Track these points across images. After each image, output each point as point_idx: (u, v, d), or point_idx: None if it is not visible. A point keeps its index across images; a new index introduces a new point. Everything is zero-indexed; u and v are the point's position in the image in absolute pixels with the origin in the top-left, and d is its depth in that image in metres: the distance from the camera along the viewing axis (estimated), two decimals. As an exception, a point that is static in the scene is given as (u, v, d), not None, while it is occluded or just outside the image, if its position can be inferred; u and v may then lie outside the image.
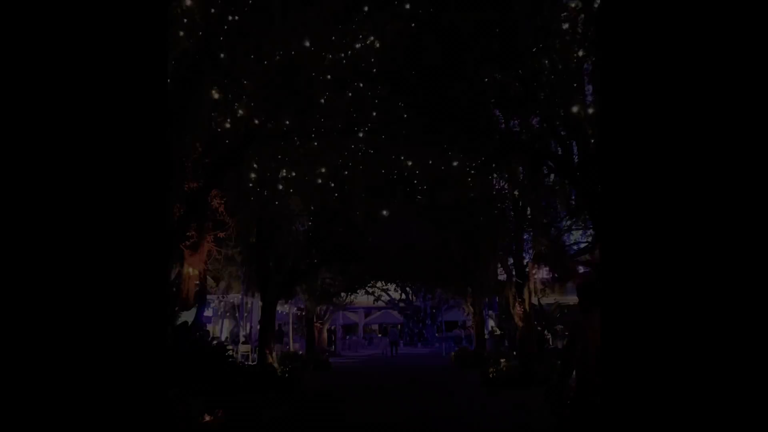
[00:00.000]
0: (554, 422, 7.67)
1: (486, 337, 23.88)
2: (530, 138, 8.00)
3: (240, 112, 8.91)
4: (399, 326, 44.43)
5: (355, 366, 23.28)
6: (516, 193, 13.64)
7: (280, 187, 15.08)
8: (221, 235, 8.96)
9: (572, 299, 29.52)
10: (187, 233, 8.15)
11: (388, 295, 42.54)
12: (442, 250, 16.35)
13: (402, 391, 13.79)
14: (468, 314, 23.29)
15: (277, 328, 37.96)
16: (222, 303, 38.94)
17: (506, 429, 8.31)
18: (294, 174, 14.58)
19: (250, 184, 13.59)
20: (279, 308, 39.08)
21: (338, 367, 21.89)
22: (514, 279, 14.34)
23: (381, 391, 13.91)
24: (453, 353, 21.67)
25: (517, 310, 14.32)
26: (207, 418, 7.58)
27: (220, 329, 38.40)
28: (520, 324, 14.35)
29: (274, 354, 14.76)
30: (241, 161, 8.41)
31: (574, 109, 7.69)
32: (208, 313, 40.17)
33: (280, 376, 13.69)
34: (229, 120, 9.49)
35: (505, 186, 13.63)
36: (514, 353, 22.18)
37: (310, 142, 10.88)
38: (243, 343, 26.86)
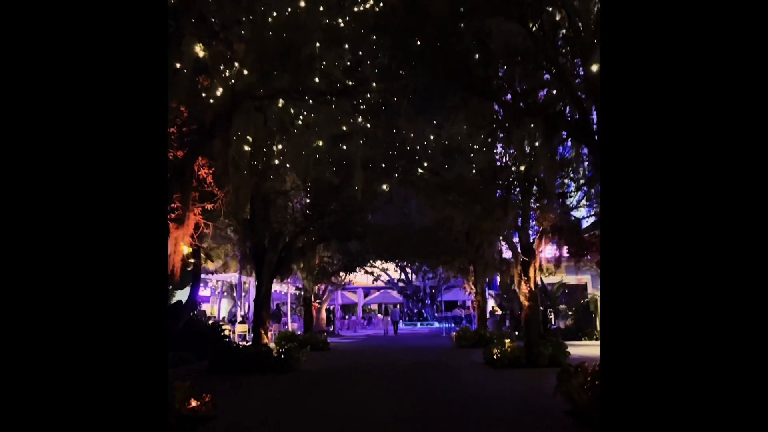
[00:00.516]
0: (569, 407, 7.12)
1: (487, 317, 23.43)
2: (546, 100, 7.32)
3: (227, 73, 8.21)
4: (399, 306, 44.16)
5: (354, 346, 22.82)
6: (522, 168, 12.97)
7: (276, 162, 14.43)
8: (209, 206, 8.30)
9: (575, 278, 29.10)
10: (171, 205, 7.52)
11: (388, 275, 42.15)
12: (444, 227, 15.72)
13: (403, 373, 13.25)
14: (469, 293, 22.76)
15: (275, 307, 37.68)
16: (220, 282, 38.59)
17: (518, 412, 7.76)
18: (290, 147, 13.92)
19: (245, 159, 12.92)
20: (277, 288, 38.79)
21: (337, 347, 21.41)
22: (519, 256, 13.72)
23: (381, 372, 13.39)
24: (454, 333, 21.19)
25: (523, 288, 13.72)
26: (193, 404, 7.00)
27: (218, 309, 38.08)
28: (526, 303, 13.76)
29: (269, 334, 14.19)
30: (229, 126, 7.73)
31: (594, 68, 6.99)
32: (205, 292, 39.94)
33: (276, 357, 13.15)
34: (217, 83, 8.79)
35: (511, 158, 12.92)
36: (516, 333, 21.77)
37: (305, 106, 10.19)
38: (240, 322, 26.38)
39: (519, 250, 14.07)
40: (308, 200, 14.92)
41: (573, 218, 13.79)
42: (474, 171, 13.82)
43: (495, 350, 13.55)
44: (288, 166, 14.69)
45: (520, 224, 13.82)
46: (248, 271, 21.48)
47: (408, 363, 15.31)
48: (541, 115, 7.16)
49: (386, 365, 14.85)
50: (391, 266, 42.12)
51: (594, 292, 28.43)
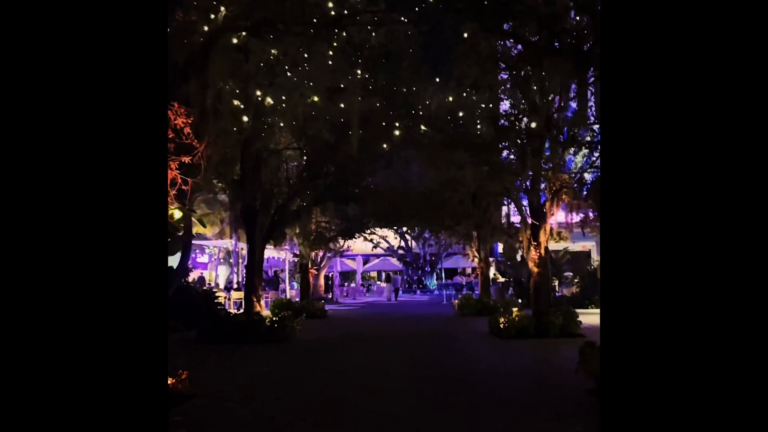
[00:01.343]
0: (593, 386, 6.28)
1: (489, 284, 22.65)
2: (575, 34, 6.29)
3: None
4: (399, 273, 43.69)
5: (353, 314, 22.10)
6: (534, 124, 11.94)
7: (269, 120, 13.41)
8: (187, 160, 7.33)
9: (579, 245, 28.29)
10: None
11: (387, 242, 41.41)
12: (449, 189, 14.74)
13: (403, 343, 12.47)
14: (472, 260, 21.95)
15: (272, 274, 37.01)
16: (217, 249, 37.83)
17: (534, 390, 6.95)
18: (282, 101, 12.88)
19: (230, 109, 11.88)
20: (275, 254, 38.04)
21: (335, 315, 20.68)
22: (529, 220, 12.81)
23: (380, 342, 12.61)
24: (456, 301, 20.43)
25: (532, 254, 12.86)
26: (168, 381, 6.17)
27: (215, 275, 37.40)
28: (536, 270, 12.92)
29: (262, 302, 13.39)
30: (206, 66, 6.72)
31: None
32: (203, 258, 39.22)
33: (269, 326, 12.36)
34: (196, 20, 7.74)
35: (522, 111, 11.84)
36: (520, 301, 21.01)
37: (295, 52, 9.15)
38: (236, 289, 25.63)
39: (528, 213, 13.16)
40: (305, 159, 13.90)
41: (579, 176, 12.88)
42: (480, 128, 12.82)
43: (501, 319, 12.75)
44: (282, 125, 13.69)
45: (529, 186, 12.86)
46: (242, 236, 20.65)
47: (408, 332, 14.55)
48: (569, 51, 6.14)
49: (385, 335, 14.09)
50: (390, 233, 41.43)
51: (599, 258, 27.69)
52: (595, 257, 29.17)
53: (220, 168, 12.52)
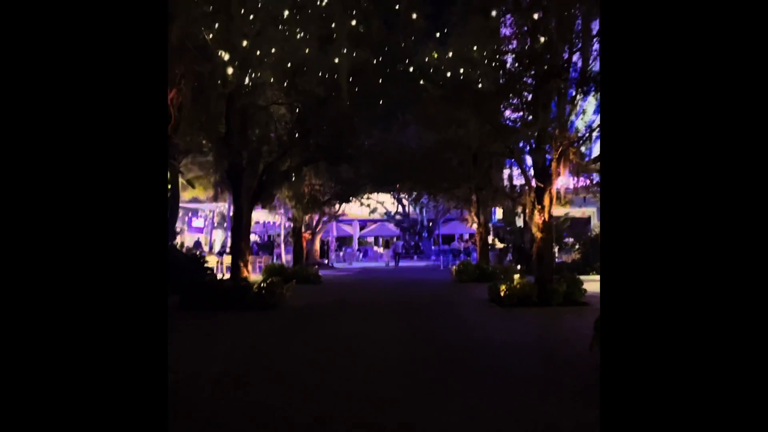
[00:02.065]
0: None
1: (489, 250, 21.98)
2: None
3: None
4: (396, 238, 43.26)
5: (348, 279, 21.49)
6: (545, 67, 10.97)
7: (255, 74, 12.46)
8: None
9: (579, 211, 27.61)
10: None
11: (384, 207, 40.70)
12: (449, 148, 13.86)
13: (399, 311, 11.83)
14: (471, 225, 21.26)
15: (267, 238, 36.34)
16: (212, 212, 37.04)
17: (542, 365, 6.29)
18: (269, 51, 11.93)
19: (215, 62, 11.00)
20: (271, 218, 37.30)
21: (329, 280, 20.07)
22: (533, 182, 12.02)
23: (375, 309, 11.97)
24: (454, 267, 19.80)
25: (536, 218, 12.11)
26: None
27: (210, 239, 36.73)
28: (539, 235, 12.18)
29: (249, 266, 12.68)
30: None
31: None
32: (198, 222, 38.46)
33: (256, 292, 11.69)
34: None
35: (527, 59, 10.86)
36: (519, 267, 20.40)
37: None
38: (228, 254, 25.00)
39: (533, 175, 12.37)
40: (295, 116, 12.98)
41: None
42: (481, 82, 11.89)
43: (503, 287, 12.09)
44: (271, 79, 12.74)
45: (534, 144, 12.02)
46: (224, 196, 19.78)
47: (404, 299, 13.92)
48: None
49: (380, 301, 13.46)
50: (388, 198, 40.71)
51: (599, 224, 27.04)
52: (596, 223, 28.54)
53: (202, 123, 11.67)
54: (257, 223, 40.16)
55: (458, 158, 14.35)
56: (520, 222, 26.29)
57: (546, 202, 12.02)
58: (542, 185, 12.05)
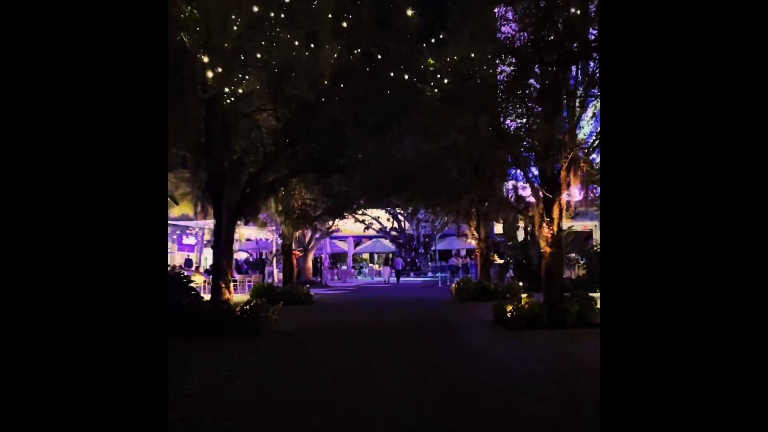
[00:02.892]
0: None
1: (490, 266, 20.89)
2: None
3: None
4: (392, 254, 42.31)
5: (342, 299, 20.35)
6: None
7: (238, 78, 11.50)
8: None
9: (581, 225, 26.65)
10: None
11: (379, 222, 39.69)
12: (449, 156, 12.84)
13: (398, 336, 10.74)
14: (470, 240, 20.24)
15: (258, 256, 35.18)
16: (201, 230, 35.88)
17: (568, 399, 5.23)
18: (254, 52, 11.00)
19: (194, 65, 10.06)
20: (263, 235, 36.20)
21: (322, 300, 18.95)
22: (541, 192, 11.03)
23: (370, 334, 10.88)
24: (454, 285, 18.72)
25: (544, 232, 11.10)
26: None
27: (200, 258, 35.54)
28: (548, 250, 11.17)
29: (232, 287, 11.59)
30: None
31: None
32: (189, 240, 37.28)
33: (239, 316, 10.59)
34: None
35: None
36: (521, 284, 19.37)
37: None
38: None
39: (540, 184, 11.38)
40: (281, 123, 11.96)
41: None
42: (482, 81, 10.93)
43: (509, 307, 11.04)
44: (253, 81, 11.78)
45: (541, 151, 11.03)
46: (204, 211, 18.74)
47: (402, 321, 12.83)
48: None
49: (376, 324, 12.36)
50: (383, 214, 39.73)
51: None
52: (597, 237, 27.58)
53: (179, 131, 10.67)
54: (250, 240, 39.04)
55: (458, 168, 13.33)
56: (521, 236, 25.30)
57: (555, 214, 11.02)
58: (551, 195, 11.06)
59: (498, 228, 31.12)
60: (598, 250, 21.91)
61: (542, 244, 11.28)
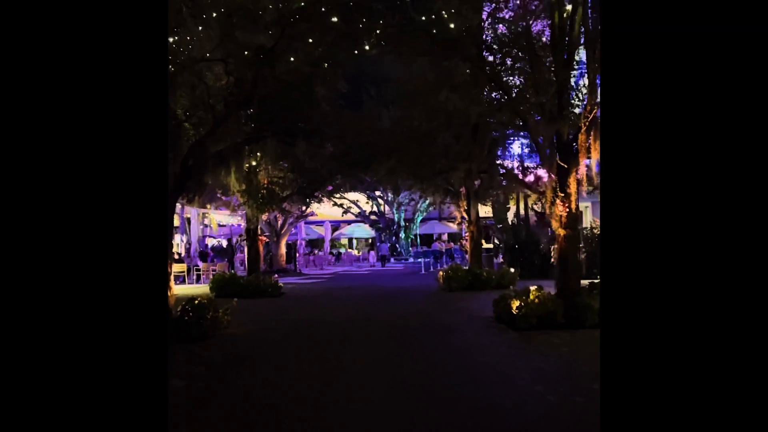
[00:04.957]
0: None
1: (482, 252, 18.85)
2: None
3: None
4: (371, 240, 40.42)
5: (316, 289, 18.16)
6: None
7: (175, 20, 9.15)
8: None
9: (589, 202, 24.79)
10: None
11: (358, 206, 37.53)
12: (441, 120, 10.61)
13: (380, 341, 8.66)
14: (459, 222, 18.19)
15: (227, 242, 32.72)
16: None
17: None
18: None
19: None
20: (236, 221, 33.75)
21: (293, 291, 16.75)
22: (555, 161, 8.95)
23: (345, 339, 8.77)
24: (441, 272, 16.65)
25: (558, 209, 9.05)
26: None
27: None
28: (562, 232, 9.13)
29: (172, 282, 9.32)
30: None
31: None
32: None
33: (178, 319, 8.37)
34: None
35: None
36: (512, 270, 17.35)
37: None
38: (177, 261, 21.44)
39: (548, 152, 9.31)
40: (235, 71, 9.61)
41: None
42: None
43: (514, 302, 9.00)
44: (200, 28, 9.44)
45: (555, 110, 8.94)
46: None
47: (384, 318, 10.73)
48: None
49: (354, 323, 10.25)
50: (362, 198, 37.59)
51: (594, 220, 24.24)
52: (591, 218, 25.79)
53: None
54: (223, 226, 36.58)
55: (453, 133, 11.05)
56: (512, 219, 23.40)
57: (571, 188, 8.97)
58: (566, 166, 9.00)
59: (485, 210, 29.19)
60: (595, 233, 20.04)
61: (554, 224, 9.24)
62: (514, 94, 8.90)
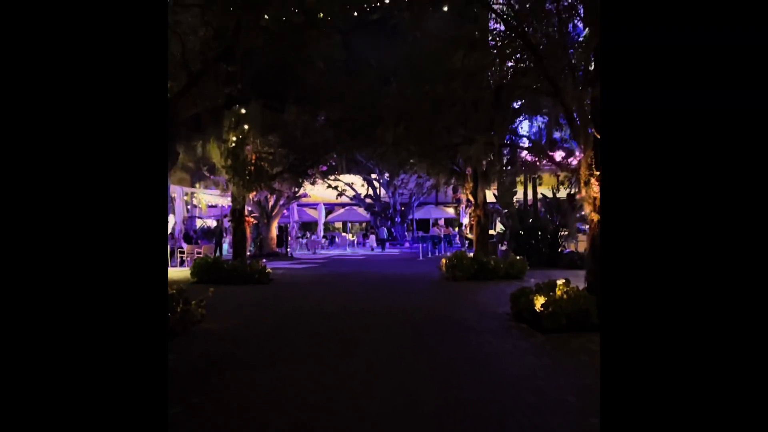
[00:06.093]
0: None
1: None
2: None
3: None
4: (365, 224, 39.20)
5: (308, 275, 16.78)
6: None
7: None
8: None
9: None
10: None
11: (354, 189, 36.14)
12: (456, 82, 9.12)
13: (380, 343, 7.32)
14: (465, 206, 16.84)
15: (216, 223, 31.26)
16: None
17: None
18: None
19: None
20: (224, 201, 32.23)
21: (283, 278, 15.37)
22: (592, 131, 7.56)
23: (336, 337, 7.43)
24: (444, 260, 15.31)
25: (593, 190, 7.69)
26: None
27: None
28: (596, 217, 7.79)
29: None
30: None
31: None
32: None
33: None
34: None
35: None
36: (518, 258, 16.00)
37: None
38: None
39: (578, 121, 7.92)
40: (214, 20, 8.12)
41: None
42: None
43: (538, 299, 7.68)
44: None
45: (591, 68, 7.53)
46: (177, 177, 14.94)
47: (384, 313, 9.39)
48: None
49: (349, 318, 8.91)
50: (357, 180, 36.25)
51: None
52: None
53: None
54: (213, 207, 35.12)
55: (471, 95, 9.52)
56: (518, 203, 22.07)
57: (610, 164, 7.59)
58: (600, 137, 7.62)
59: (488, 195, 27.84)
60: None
61: (587, 208, 7.88)
62: (541, 48, 7.46)
